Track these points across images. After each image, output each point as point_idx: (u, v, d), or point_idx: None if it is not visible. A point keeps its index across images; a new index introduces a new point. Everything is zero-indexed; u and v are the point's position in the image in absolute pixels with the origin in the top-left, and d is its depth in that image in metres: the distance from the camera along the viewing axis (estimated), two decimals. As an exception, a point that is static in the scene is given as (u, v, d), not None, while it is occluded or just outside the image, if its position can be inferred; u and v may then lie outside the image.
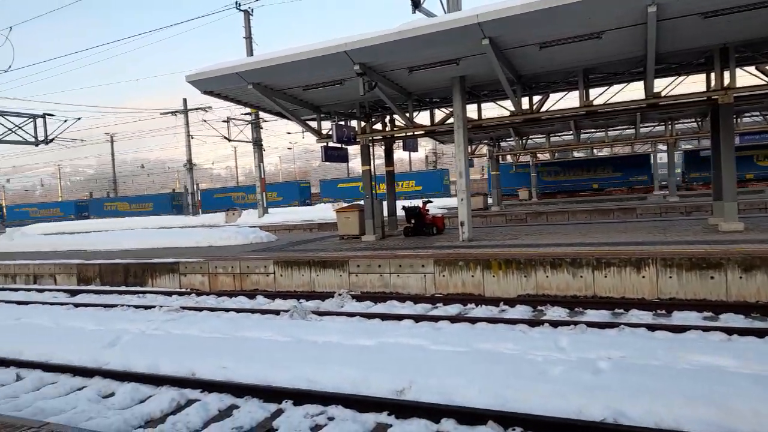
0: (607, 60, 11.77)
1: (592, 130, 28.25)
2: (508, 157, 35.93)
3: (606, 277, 8.91)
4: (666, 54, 11.51)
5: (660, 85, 12.57)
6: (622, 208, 23.54)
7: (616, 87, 13.16)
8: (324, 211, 33.59)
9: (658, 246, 9.61)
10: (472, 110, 14.23)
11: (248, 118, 34.21)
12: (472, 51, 10.50)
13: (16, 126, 24.03)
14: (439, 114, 15.12)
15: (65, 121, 25.70)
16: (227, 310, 9.88)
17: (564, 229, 14.53)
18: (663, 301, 8.38)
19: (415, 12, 12.53)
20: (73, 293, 13.32)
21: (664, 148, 35.93)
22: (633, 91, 13.22)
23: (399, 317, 8.28)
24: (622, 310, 8.22)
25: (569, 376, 5.13)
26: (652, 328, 6.92)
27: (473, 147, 28.91)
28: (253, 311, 9.63)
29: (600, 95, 12.73)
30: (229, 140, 35.44)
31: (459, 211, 12.67)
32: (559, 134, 27.66)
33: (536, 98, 13.63)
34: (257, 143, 34.05)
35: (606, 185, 38.14)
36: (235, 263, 12.37)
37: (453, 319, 7.94)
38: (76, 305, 11.30)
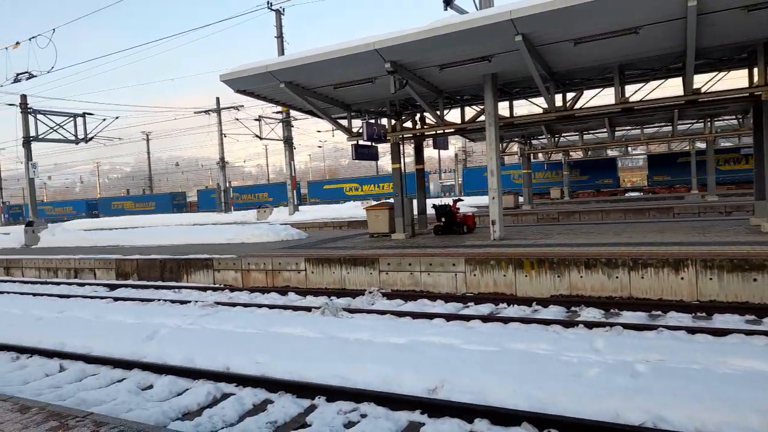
0: (644, 55, 11.47)
1: (627, 128, 27.64)
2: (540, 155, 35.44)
3: (643, 278, 8.70)
4: (706, 49, 11.16)
5: (699, 81, 12.20)
6: (658, 208, 22.96)
7: (653, 83, 12.84)
8: (353, 209, 33.74)
9: (697, 246, 9.34)
10: (503, 108, 14.10)
11: (279, 116, 34.61)
12: (505, 48, 10.38)
13: (58, 125, 24.90)
14: (470, 111, 15.01)
15: (104, 120, 26.51)
16: (260, 306, 10.03)
17: (598, 228, 14.25)
18: (703, 304, 8.14)
19: (446, 9, 12.46)
20: (112, 287, 13.72)
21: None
22: (671, 88, 12.87)
23: (430, 316, 8.26)
24: (659, 312, 8.02)
25: (606, 379, 5.04)
26: (691, 331, 6.73)
27: (504, 145, 28.61)
28: (285, 308, 9.76)
29: (636, 92, 12.43)
30: (261, 138, 35.95)
31: (490, 210, 12.56)
32: (593, 132, 27.14)
33: (570, 95, 13.39)
34: (288, 141, 34.42)
35: (575, 188, 39.10)
36: (268, 260, 12.53)
37: (485, 319, 7.89)
38: (116, 299, 11.64)
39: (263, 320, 8.34)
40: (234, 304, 10.28)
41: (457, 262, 10.15)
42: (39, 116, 24.23)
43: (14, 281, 16.33)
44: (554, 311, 8.43)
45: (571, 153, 37.05)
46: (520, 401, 4.86)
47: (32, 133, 23.98)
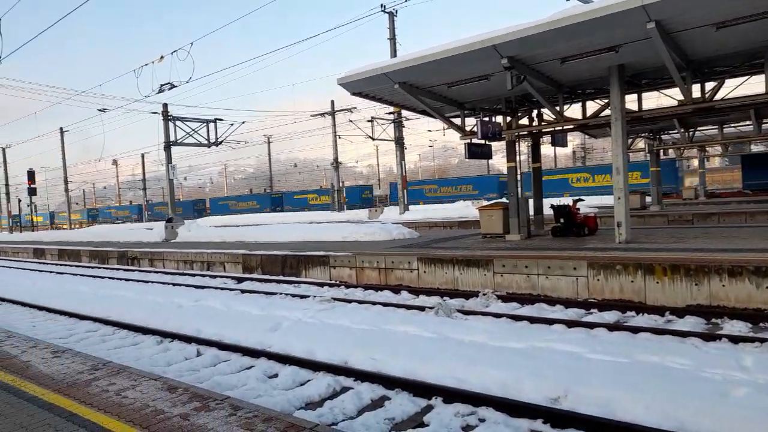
0: (804, 36, 10.07)
1: (777, 120, 24.49)
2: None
3: (801, 289, 7.63)
4: None
5: None
6: (816, 210, 20.08)
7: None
8: (464, 209, 33.41)
9: None
10: (630, 100, 13.13)
11: (391, 117, 35.18)
12: (635, 36, 9.66)
13: (193, 130, 27.35)
14: (592, 106, 14.16)
15: (232, 125, 28.69)
16: (374, 303, 10.22)
17: (741, 232, 12.77)
18: None
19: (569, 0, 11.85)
20: (240, 280, 14.78)
21: None
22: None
23: (549, 321, 7.89)
24: (823, 330, 6.99)
25: (757, 401, 4.48)
26: None
27: (629, 141, 26.67)
28: (398, 306, 9.86)
29: (792, 78, 10.94)
30: (373, 139, 36.80)
31: (615, 211, 11.75)
32: (735, 125, 24.39)
33: (709, 85, 12.14)
34: (399, 142, 34.89)
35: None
36: (380, 258, 12.77)
37: (611, 327, 7.37)
38: (243, 291, 12.50)
39: (378, 317, 8.49)
40: (349, 301, 10.58)
41: (578, 266, 9.60)
42: (177, 123, 26.84)
43: (157, 272, 18.20)
44: (691, 322, 7.66)
45: (707, 148, 33.58)
46: (654, 418, 4.47)
47: (171, 138, 26.60)
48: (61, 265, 23.80)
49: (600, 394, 4.94)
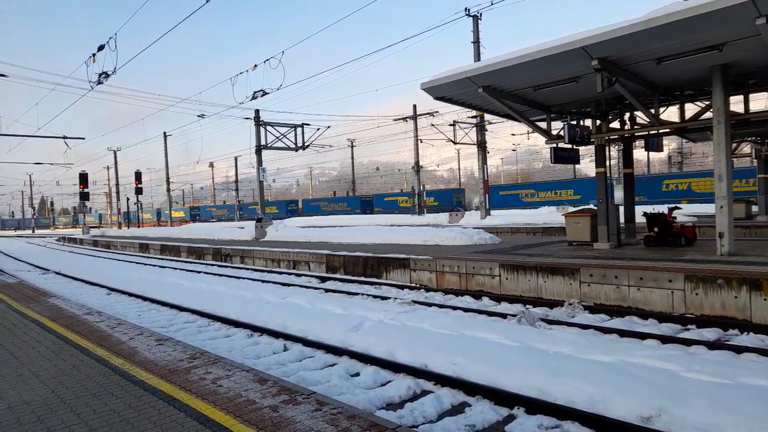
0: None
1: None
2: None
3: None
4: None
5: None
6: None
7: None
8: (548, 215, 32.39)
9: None
10: (735, 101, 12.19)
11: (474, 121, 34.80)
12: (742, 33, 8.95)
13: (282, 134, 28.56)
14: (691, 108, 13.26)
15: (318, 129, 29.66)
16: (454, 308, 10.19)
17: None
18: None
19: (667, -4, 11.16)
20: (323, 279, 15.26)
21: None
22: None
23: (641, 335, 7.49)
24: None
25: None
26: None
27: (734, 145, 24.65)
28: (479, 312, 9.76)
29: None
30: (455, 143, 36.58)
31: (717, 221, 10.93)
32: None
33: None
34: (481, 145, 34.41)
35: None
36: (461, 263, 12.68)
37: (711, 345, 6.88)
38: (326, 291, 12.91)
39: (458, 322, 8.45)
40: (429, 304, 10.61)
41: (674, 278, 9.03)
42: (268, 127, 28.15)
43: (247, 269, 19.18)
44: (805, 345, 6.99)
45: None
46: (760, 447, 4.14)
47: (262, 142, 27.93)
48: (162, 259, 25.71)
49: (698, 417, 4.65)
